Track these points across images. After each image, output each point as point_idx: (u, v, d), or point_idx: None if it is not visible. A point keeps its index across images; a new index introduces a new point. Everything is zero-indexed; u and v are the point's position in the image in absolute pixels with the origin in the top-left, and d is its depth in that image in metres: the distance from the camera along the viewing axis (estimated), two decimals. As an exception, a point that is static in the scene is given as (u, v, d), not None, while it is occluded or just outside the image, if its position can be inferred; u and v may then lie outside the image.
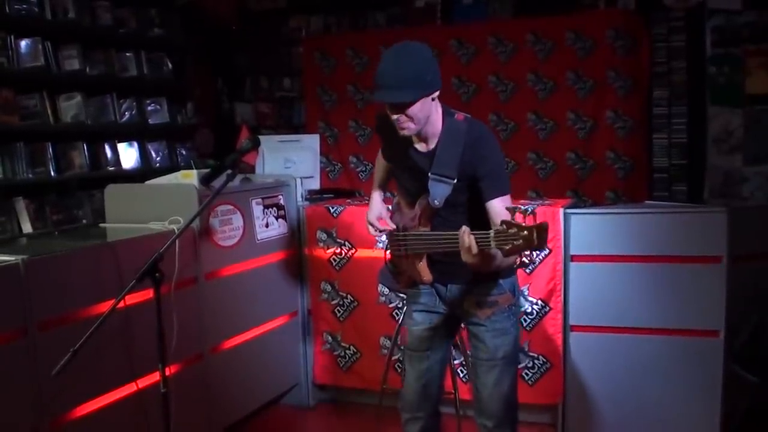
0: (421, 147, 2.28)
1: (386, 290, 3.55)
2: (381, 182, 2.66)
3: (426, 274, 2.32)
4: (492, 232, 1.85)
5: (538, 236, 1.76)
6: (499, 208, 2.14)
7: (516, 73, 5.21)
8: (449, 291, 2.39)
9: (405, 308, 2.56)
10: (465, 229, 1.96)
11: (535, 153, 5.22)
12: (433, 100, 2.18)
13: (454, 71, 5.34)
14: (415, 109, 2.13)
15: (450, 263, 2.25)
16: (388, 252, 2.55)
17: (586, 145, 5.10)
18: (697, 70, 4.81)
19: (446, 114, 2.26)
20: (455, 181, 2.17)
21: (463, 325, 2.53)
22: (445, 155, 2.20)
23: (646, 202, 4.30)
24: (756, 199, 4.64)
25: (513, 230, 1.78)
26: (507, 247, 1.79)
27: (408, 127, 2.17)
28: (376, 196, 2.63)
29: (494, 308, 2.32)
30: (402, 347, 2.77)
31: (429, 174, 2.21)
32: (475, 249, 1.91)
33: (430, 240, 2.25)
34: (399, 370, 3.55)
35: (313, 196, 3.91)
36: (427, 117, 2.19)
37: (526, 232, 1.76)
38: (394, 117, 2.16)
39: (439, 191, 2.18)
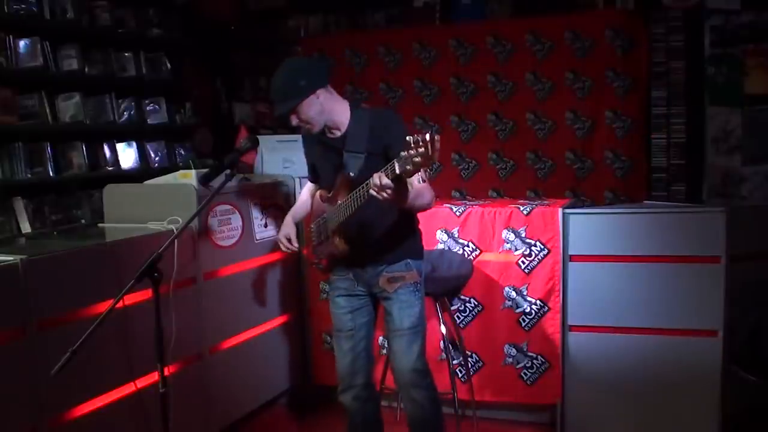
0: (333, 134, 2.64)
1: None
2: (295, 212, 3.04)
3: (342, 245, 2.63)
4: (395, 159, 2.08)
5: (432, 147, 1.96)
6: None
7: (515, 73, 5.21)
8: (367, 272, 2.69)
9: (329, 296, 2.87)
10: (376, 174, 2.19)
11: (533, 153, 5.21)
12: (318, 98, 2.52)
13: (452, 71, 5.33)
14: (303, 112, 2.52)
15: (367, 246, 2.62)
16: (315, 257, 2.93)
17: (584, 144, 5.10)
18: (696, 70, 4.80)
19: (354, 107, 2.63)
20: (365, 154, 2.51)
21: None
22: (355, 134, 2.56)
23: (645, 202, 4.31)
24: (754, 199, 4.64)
25: (412, 151, 1.99)
26: (410, 167, 2.01)
27: (309, 128, 2.59)
28: (288, 218, 3.01)
29: (401, 282, 2.65)
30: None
31: (344, 151, 2.56)
32: (386, 180, 2.14)
33: (347, 205, 2.51)
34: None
35: (311, 196, 3.90)
36: (323, 113, 2.55)
37: (422, 149, 1.97)
38: (294, 123, 2.57)
39: (353, 164, 2.51)
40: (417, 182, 2.15)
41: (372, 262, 2.67)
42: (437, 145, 1.97)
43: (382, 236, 2.63)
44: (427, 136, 1.96)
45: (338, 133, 2.63)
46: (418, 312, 2.68)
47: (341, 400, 2.81)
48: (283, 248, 2.97)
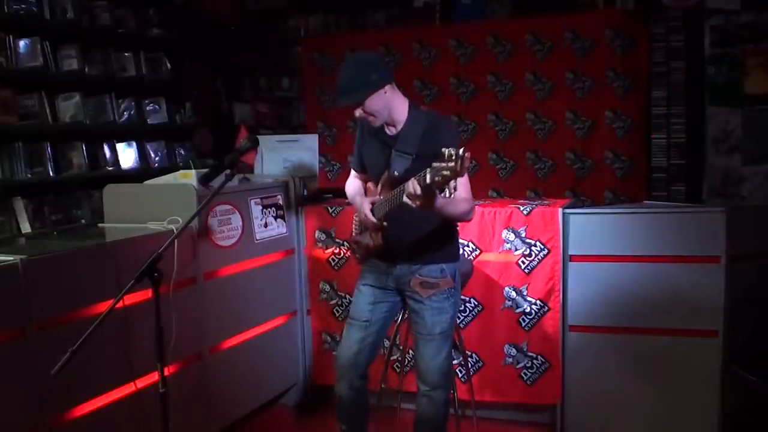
0: (389, 131, 2.67)
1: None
2: (355, 192, 2.90)
3: (378, 240, 2.65)
4: (428, 169, 2.12)
5: (461, 164, 2.01)
6: None
7: (515, 73, 5.22)
8: (399, 269, 2.68)
9: (356, 283, 2.84)
10: (409, 181, 2.26)
11: (533, 153, 5.22)
12: (385, 92, 2.55)
13: (452, 71, 5.34)
14: (370, 105, 2.54)
15: (402, 243, 2.62)
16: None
17: (584, 144, 5.11)
18: (696, 70, 4.81)
19: (412, 106, 2.66)
20: (413, 156, 2.52)
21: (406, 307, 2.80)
22: (407, 136, 2.59)
23: (645, 201, 4.31)
24: (754, 199, 4.65)
25: (443, 164, 2.04)
26: (438, 179, 2.05)
27: (372, 120, 2.60)
28: (357, 198, 2.84)
29: (435, 289, 2.64)
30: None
31: (393, 150, 2.60)
32: (418, 189, 2.20)
33: (387, 201, 2.53)
34: (397, 370, 3.55)
35: (312, 196, 3.90)
36: (386, 107, 2.58)
37: (452, 163, 2.02)
38: (357, 115, 2.58)
39: (399, 164, 2.55)
40: (444, 195, 2.13)
41: (405, 260, 2.67)
42: (467, 162, 2.03)
43: (419, 236, 2.62)
44: (460, 151, 2.00)
45: (394, 131, 2.65)
46: (450, 318, 2.68)
47: (336, 389, 2.80)
48: (372, 220, 2.69)
